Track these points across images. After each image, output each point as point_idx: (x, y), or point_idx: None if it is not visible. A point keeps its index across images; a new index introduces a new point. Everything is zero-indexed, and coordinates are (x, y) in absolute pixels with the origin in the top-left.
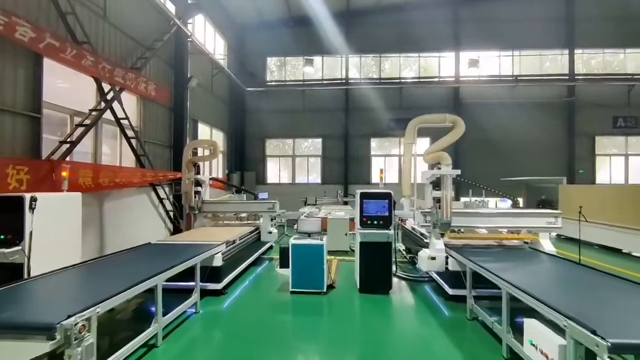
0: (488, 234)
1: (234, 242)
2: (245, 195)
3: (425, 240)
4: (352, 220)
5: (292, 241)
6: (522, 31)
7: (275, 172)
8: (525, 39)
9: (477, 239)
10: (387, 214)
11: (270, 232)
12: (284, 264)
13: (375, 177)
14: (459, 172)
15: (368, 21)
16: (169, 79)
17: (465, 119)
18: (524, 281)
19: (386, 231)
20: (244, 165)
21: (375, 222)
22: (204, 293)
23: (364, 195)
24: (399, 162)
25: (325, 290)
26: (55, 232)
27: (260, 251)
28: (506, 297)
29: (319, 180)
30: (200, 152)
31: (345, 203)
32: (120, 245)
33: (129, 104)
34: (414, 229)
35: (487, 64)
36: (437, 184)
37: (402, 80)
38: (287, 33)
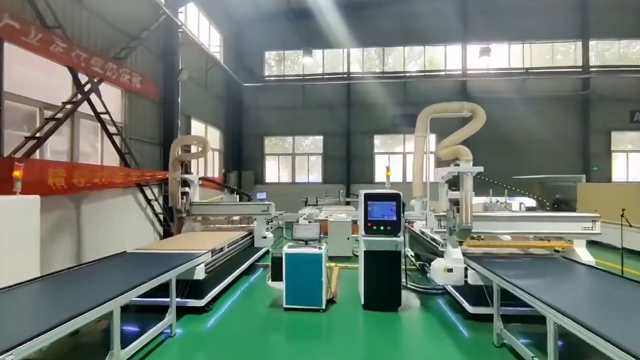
0: (512, 241)
1: (221, 249)
2: (238, 196)
3: (439, 249)
4: (354, 222)
5: (286, 250)
6: (533, 21)
7: (275, 171)
8: (536, 29)
9: (499, 247)
10: (395, 218)
11: (264, 237)
12: (276, 275)
13: (379, 176)
14: (481, 169)
15: (371, 12)
16: (158, 72)
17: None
18: (572, 305)
19: (394, 238)
20: (242, 164)
21: (382, 228)
22: (185, 311)
23: (368, 197)
24: (404, 160)
25: (324, 307)
26: (6, 241)
27: (253, 258)
28: (553, 328)
29: (320, 180)
30: (194, 149)
31: (348, 203)
32: (100, 251)
33: (111, 98)
34: (423, 232)
35: (496, 56)
36: (454, 183)
37: (407, 74)
38: (286, 26)
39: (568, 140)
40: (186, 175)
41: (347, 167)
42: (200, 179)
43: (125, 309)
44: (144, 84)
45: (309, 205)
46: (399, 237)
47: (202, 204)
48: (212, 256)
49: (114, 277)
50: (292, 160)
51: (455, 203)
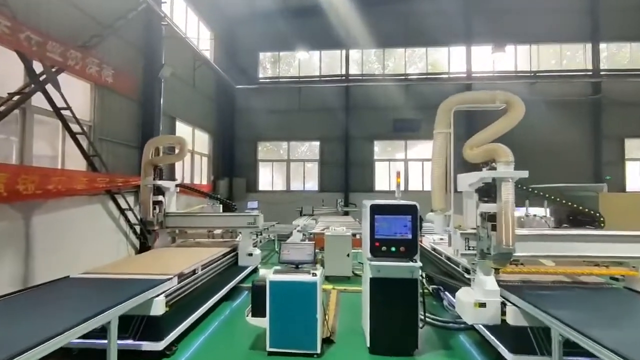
0: (557, 267)
1: (193, 272)
2: (221, 205)
3: (466, 276)
4: (354, 236)
5: (270, 276)
6: (541, 23)
7: (268, 178)
8: (543, 31)
9: (541, 274)
10: (410, 236)
11: (250, 254)
12: (258, 309)
13: (379, 184)
14: (525, 173)
15: (370, 12)
16: (137, 67)
17: (480, 120)
18: None
19: (410, 263)
20: (233, 170)
21: (394, 249)
22: (137, 357)
23: (376, 209)
24: (405, 166)
25: (319, 350)
26: None
27: (236, 279)
28: None
29: (316, 188)
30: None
31: (346, 213)
32: (56, 271)
33: (78, 92)
34: (435, 249)
35: (502, 59)
36: (486, 192)
37: (409, 77)
38: (282, 26)
39: (579, 147)
40: (160, 182)
41: (346, 174)
42: (178, 185)
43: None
44: (117, 78)
45: (304, 215)
46: (415, 261)
47: (178, 215)
48: (178, 282)
49: (32, 318)
50: (287, 167)
51: (490, 218)
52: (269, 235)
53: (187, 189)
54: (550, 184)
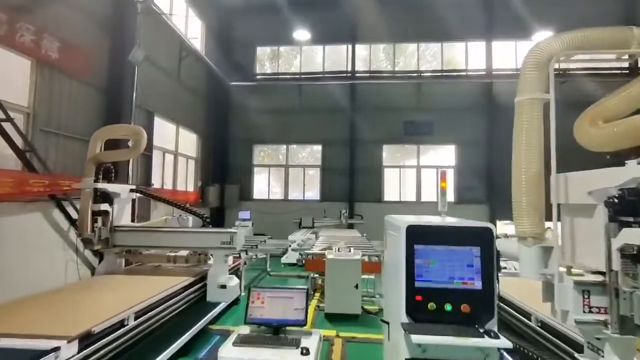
0: None
1: (121, 324)
2: (190, 217)
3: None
4: (368, 260)
5: (226, 355)
6: (569, 14)
7: (264, 185)
8: (573, 23)
9: None
10: (480, 284)
11: (223, 286)
12: None
13: (388, 194)
14: None
15: (379, 3)
16: (99, 45)
17: (503, 123)
18: None
19: (482, 341)
20: (226, 176)
21: (450, 309)
22: None
23: (416, 234)
24: (417, 174)
25: None
26: None
27: (202, 321)
28: None
29: (317, 197)
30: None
31: (351, 226)
32: None
33: (12, 70)
34: (510, 304)
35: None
36: (630, 207)
37: (422, 74)
38: (282, 18)
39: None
40: (104, 185)
41: (350, 182)
42: (134, 191)
43: None
44: (66, 55)
45: (303, 227)
46: (493, 335)
47: (130, 230)
48: (82, 348)
49: None
50: (286, 173)
51: (635, 256)
52: (256, 255)
53: (144, 194)
54: None
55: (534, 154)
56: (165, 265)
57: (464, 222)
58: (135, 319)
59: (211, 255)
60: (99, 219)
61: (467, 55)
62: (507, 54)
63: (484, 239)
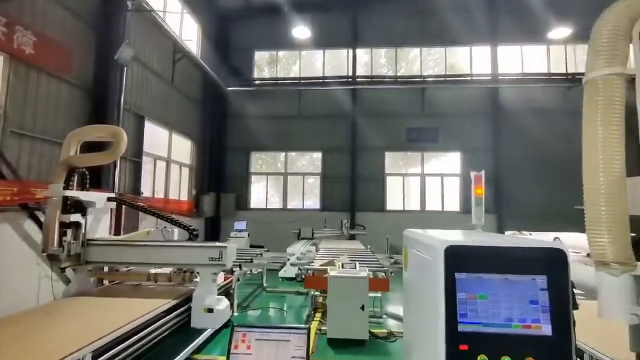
0: None
1: None
2: (176, 230)
3: None
4: (373, 277)
5: None
6: (575, 20)
7: (262, 194)
8: (580, 29)
9: None
10: (549, 330)
11: (210, 310)
12: None
13: (391, 203)
14: None
15: (381, 7)
16: (84, 43)
17: (509, 129)
18: None
19: None
20: (222, 184)
21: None
22: None
23: (456, 257)
24: (422, 182)
25: None
26: None
27: (184, 353)
28: None
29: (317, 206)
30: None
31: (353, 237)
32: None
33: None
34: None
35: (532, 60)
36: None
37: (425, 79)
38: (281, 22)
39: (632, 162)
40: (76, 193)
41: (352, 191)
42: (113, 200)
43: None
44: (43, 50)
45: (302, 239)
46: None
47: (105, 245)
48: None
49: None
50: (284, 181)
51: None
52: (250, 271)
53: (123, 203)
54: None
55: (615, 149)
56: (145, 284)
57: (525, 241)
58: (95, 358)
59: (197, 273)
60: (69, 231)
61: (472, 60)
62: (513, 58)
63: (553, 265)
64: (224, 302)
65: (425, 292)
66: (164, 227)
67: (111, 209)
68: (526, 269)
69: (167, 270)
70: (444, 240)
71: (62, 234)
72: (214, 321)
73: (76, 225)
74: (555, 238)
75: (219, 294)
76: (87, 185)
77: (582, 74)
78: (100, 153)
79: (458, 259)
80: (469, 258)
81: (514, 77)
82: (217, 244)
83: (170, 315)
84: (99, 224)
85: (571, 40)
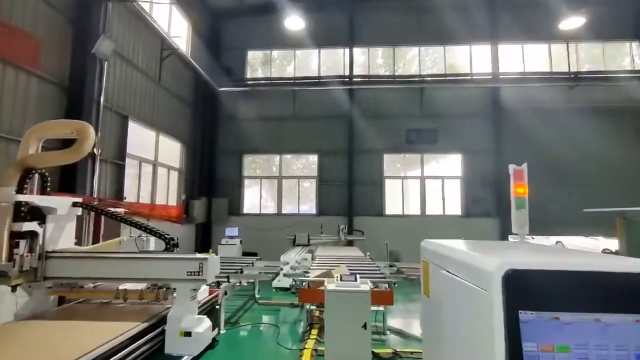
0: None
1: None
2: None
3: None
4: (374, 289)
5: None
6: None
7: (255, 199)
8: (582, 27)
9: None
10: None
11: (187, 334)
12: None
13: (390, 207)
14: None
15: (378, 5)
16: (60, 35)
17: (511, 130)
18: None
19: None
20: (214, 189)
21: None
22: None
23: (520, 288)
24: (421, 185)
25: None
26: None
27: None
28: None
29: (313, 211)
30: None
31: (350, 243)
32: None
33: None
34: None
35: (534, 58)
36: None
37: (424, 78)
38: (275, 21)
39: (634, 163)
40: (31, 198)
41: (349, 195)
42: (79, 205)
43: None
44: (9, 41)
45: (297, 245)
46: None
47: (66, 257)
48: None
49: None
50: (279, 185)
51: None
52: (239, 282)
53: (90, 209)
54: (613, 208)
55: None
56: (116, 302)
57: (623, 263)
58: None
59: (174, 289)
60: (22, 242)
61: (472, 59)
62: (514, 57)
63: None
64: (205, 323)
65: (467, 338)
66: (139, 236)
67: (87, 217)
68: (630, 305)
69: (141, 285)
70: (497, 259)
71: (14, 245)
72: (192, 347)
73: (32, 235)
74: (557, 242)
75: (202, 312)
76: (48, 189)
77: (586, 72)
78: (62, 151)
79: (524, 291)
80: (541, 288)
81: (515, 77)
82: (197, 255)
83: (140, 342)
84: (61, 233)
85: (574, 38)
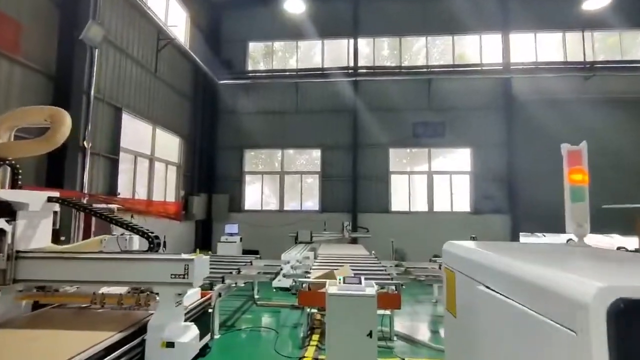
0: None
1: None
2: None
3: None
4: (383, 290)
5: None
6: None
7: (257, 195)
8: (598, 14)
9: None
10: None
11: (170, 345)
12: None
13: (396, 204)
14: None
15: None
16: (47, 18)
17: (523, 122)
18: None
19: None
20: (214, 185)
21: None
22: None
23: (632, 328)
24: (429, 180)
25: None
26: None
27: None
28: None
29: (316, 207)
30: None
31: (354, 240)
32: None
33: None
34: None
35: (547, 47)
36: None
37: (432, 69)
38: (277, 11)
39: None
40: None
41: (354, 190)
42: (55, 200)
43: None
44: None
45: (300, 243)
46: None
47: (39, 258)
48: None
49: None
50: (281, 181)
51: None
52: (235, 284)
53: (66, 204)
54: (627, 204)
55: None
56: (95, 307)
57: None
58: None
59: (156, 293)
60: None
61: (482, 49)
62: (526, 47)
63: None
64: (191, 332)
65: None
66: (121, 234)
67: (76, 214)
68: None
69: (122, 289)
70: (593, 281)
71: None
72: (176, 359)
73: (1, 234)
74: (569, 240)
75: (192, 317)
76: (20, 182)
77: (602, 62)
78: (33, 140)
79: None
80: None
81: (528, 67)
82: (183, 256)
83: (116, 353)
84: (35, 231)
85: (589, 26)
